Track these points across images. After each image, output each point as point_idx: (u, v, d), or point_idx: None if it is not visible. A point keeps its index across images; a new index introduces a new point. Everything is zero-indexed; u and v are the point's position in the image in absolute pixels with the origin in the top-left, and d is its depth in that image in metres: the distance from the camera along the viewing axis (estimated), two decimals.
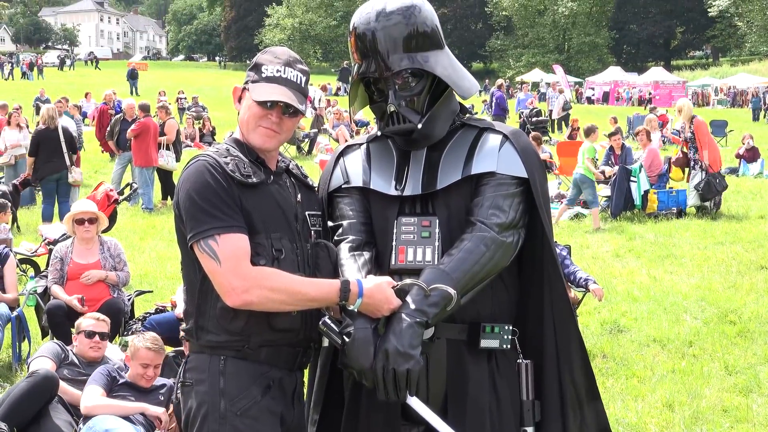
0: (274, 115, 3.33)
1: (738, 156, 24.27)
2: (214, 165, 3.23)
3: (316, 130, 28.46)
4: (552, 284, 3.53)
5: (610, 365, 8.15)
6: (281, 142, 3.45)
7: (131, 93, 40.24)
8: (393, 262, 3.39)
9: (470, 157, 3.48)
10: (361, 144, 3.72)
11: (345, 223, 3.53)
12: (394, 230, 3.44)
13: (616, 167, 16.57)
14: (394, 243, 3.42)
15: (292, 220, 3.36)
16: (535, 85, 65.48)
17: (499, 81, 36.07)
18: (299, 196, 3.46)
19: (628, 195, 16.44)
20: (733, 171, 23.56)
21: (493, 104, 31.96)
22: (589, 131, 16.47)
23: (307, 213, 3.45)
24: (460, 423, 3.35)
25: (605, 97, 64.08)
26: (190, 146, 26.96)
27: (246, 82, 3.39)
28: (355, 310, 3.18)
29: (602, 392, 7.25)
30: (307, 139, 26.64)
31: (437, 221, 3.42)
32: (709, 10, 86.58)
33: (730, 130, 33.50)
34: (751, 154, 23.92)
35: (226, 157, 3.29)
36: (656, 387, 7.46)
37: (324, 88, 43.77)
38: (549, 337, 3.54)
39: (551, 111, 35.64)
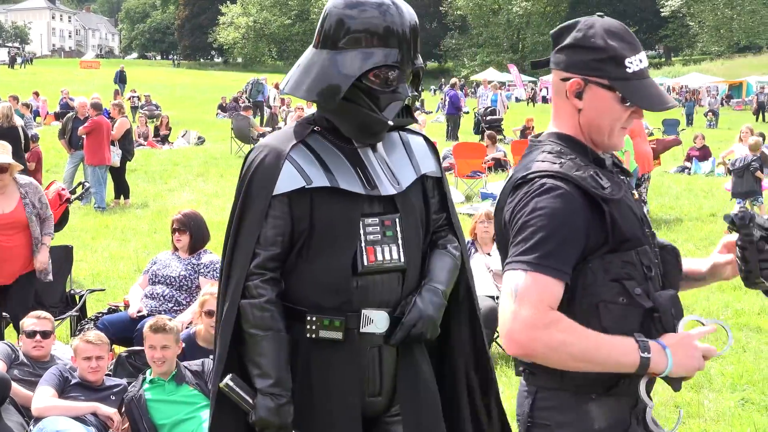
0: (639, 113, 2.85)
1: (689, 155, 24.56)
2: (571, 191, 2.68)
3: (270, 129, 28.36)
4: (462, 276, 3.73)
5: None
6: None
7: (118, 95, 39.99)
8: (365, 263, 3.39)
9: (411, 157, 3.61)
10: (296, 143, 3.49)
11: (270, 252, 3.41)
12: (361, 231, 3.43)
13: None
14: (363, 244, 3.40)
15: (644, 223, 2.86)
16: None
17: (453, 80, 36.19)
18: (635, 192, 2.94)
19: None
20: (683, 170, 23.92)
21: (447, 103, 32.09)
22: None
23: (644, 210, 3.00)
24: (414, 406, 3.47)
25: None
26: (143, 145, 26.80)
27: (594, 75, 2.78)
28: (666, 373, 2.66)
29: None
30: (261, 139, 26.49)
31: (398, 219, 3.47)
32: (661, 10, 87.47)
33: (682, 129, 33.82)
34: (702, 153, 24.20)
35: (578, 169, 2.73)
36: None
37: (277, 86, 43.50)
38: (455, 327, 3.73)
39: (487, 108, 35.38)
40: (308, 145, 3.48)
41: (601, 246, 2.70)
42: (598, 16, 2.84)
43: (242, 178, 3.50)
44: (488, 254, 8.73)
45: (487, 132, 24.60)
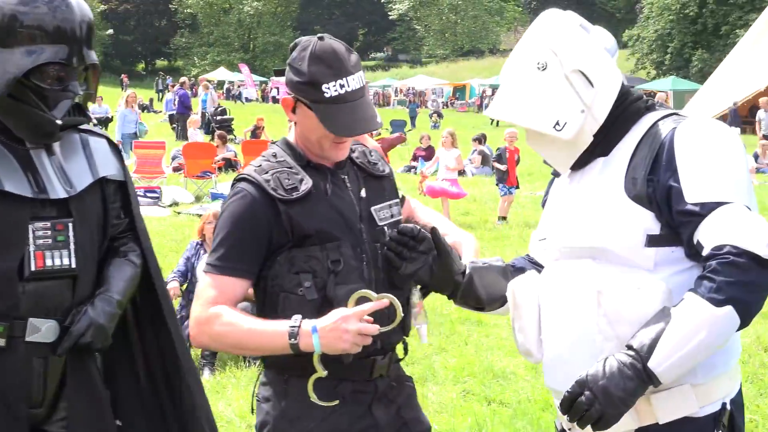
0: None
1: (415, 155, 25.34)
2: (253, 193, 2.99)
3: None
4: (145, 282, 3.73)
5: None
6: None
7: None
8: (33, 268, 3.28)
9: (90, 159, 3.52)
10: None
11: None
12: (30, 235, 3.30)
13: None
14: (31, 248, 3.29)
15: (354, 221, 3.07)
16: (221, 84, 65.55)
17: (183, 79, 35.77)
18: (363, 190, 3.16)
19: None
20: (410, 169, 24.69)
21: (177, 102, 31.66)
22: None
23: (372, 209, 3.14)
24: (82, 415, 3.46)
25: None
26: None
27: (299, 95, 3.01)
28: (317, 353, 2.85)
29: None
30: None
31: (71, 224, 3.38)
32: (389, 13, 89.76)
33: (409, 130, 34.81)
34: (428, 153, 24.98)
35: (266, 172, 3.02)
36: None
37: None
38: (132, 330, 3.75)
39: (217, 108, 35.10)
40: None
41: (287, 242, 2.97)
42: (318, 38, 3.01)
43: None
44: None
45: (218, 132, 24.45)
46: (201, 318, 2.96)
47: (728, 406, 2.70)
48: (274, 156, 3.09)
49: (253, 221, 2.97)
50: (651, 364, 2.44)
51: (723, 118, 30.29)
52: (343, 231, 3.02)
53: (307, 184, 3.01)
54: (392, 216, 3.21)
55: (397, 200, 3.28)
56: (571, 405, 2.52)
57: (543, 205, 3.13)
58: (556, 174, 3.03)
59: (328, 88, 2.94)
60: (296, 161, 3.07)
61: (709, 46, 61.19)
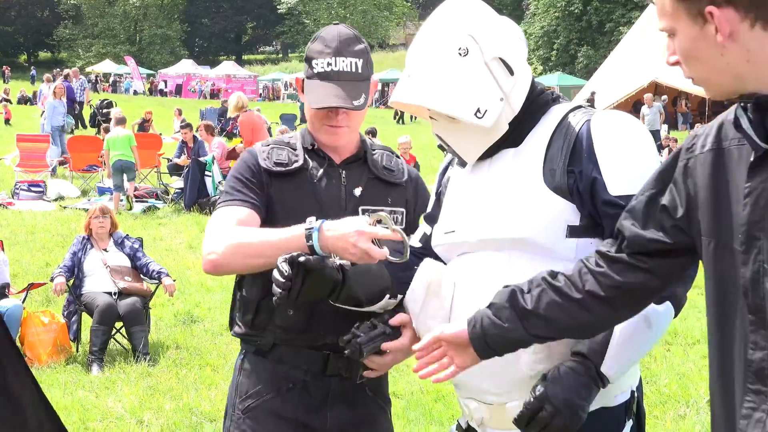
0: (335, 113, 3.11)
1: None
2: (251, 153, 3.16)
3: None
4: None
5: (183, 356, 8.17)
6: (353, 135, 3.23)
7: None
8: None
9: None
10: None
11: None
12: None
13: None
14: None
15: (331, 213, 2.97)
16: (106, 76, 64.59)
17: (67, 71, 35.01)
18: (359, 189, 3.17)
19: (201, 187, 16.59)
20: None
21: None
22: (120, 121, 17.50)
23: (361, 208, 3.11)
24: None
25: (178, 90, 64.24)
26: None
27: (305, 75, 3.15)
28: (316, 247, 2.79)
29: (176, 383, 7.30)
30: None
31: None
32: (278, 7, 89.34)
33: (299, 124, 34.80)
34: None
35: (268, 145, 3.19)
36: (229, 374, 7.53)
37: None
38: None
39: (103, 101, 34.39)
40: None
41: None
42: (335, 23, 3.17)
43: None
44: (105, 250, 8.50)
45: (104, 125, 24.04)
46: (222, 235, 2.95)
47: (635, 393, 2.76)
48: (290, 137, 3.25)
49: (249, 170, 3.09)
50: (603, 368, 2.49)
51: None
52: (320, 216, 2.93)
53: (297, 163, 3.13)
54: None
55: (400, 210, 3.24)
56: (528, 420, 2.51)
57: (437, 195, 3.06)
58: (461, 164, 2.96)
59: (317, 64, 3.06)
60: (303, 144, 3.19)
61: (594, 43, 62.35)
